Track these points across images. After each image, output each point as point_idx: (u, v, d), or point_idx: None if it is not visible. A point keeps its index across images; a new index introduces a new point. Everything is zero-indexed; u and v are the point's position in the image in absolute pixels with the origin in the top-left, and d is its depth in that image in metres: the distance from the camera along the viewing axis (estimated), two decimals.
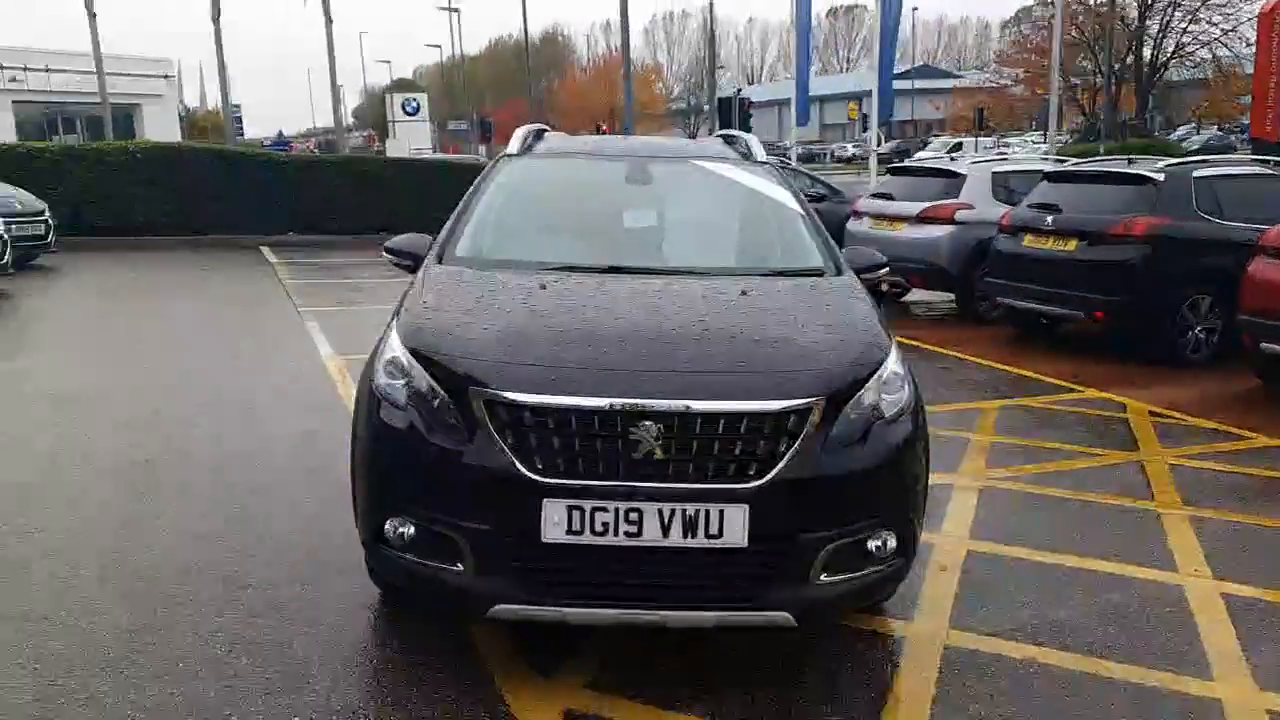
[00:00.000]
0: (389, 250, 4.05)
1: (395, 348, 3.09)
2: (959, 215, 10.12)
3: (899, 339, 3.43)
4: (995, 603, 3.73)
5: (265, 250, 15.39)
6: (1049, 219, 8.66)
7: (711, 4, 33.37)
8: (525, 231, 4.12)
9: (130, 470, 5.01)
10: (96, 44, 16.98)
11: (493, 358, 2.91)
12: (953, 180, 10.60)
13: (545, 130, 4.90)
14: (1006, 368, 8.03)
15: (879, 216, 11.07)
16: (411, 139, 40.99)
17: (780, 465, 2.80)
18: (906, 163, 15.88)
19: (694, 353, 2.97)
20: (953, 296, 10.69)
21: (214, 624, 3.36)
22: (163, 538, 4.13)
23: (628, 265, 3.66)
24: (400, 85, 63.92)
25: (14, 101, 37.92)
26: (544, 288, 3.41)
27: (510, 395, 2.79)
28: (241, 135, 63.59)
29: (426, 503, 2.88)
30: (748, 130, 30.50)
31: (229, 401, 6.45)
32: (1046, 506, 4.82)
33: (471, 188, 4.26)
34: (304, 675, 3.05)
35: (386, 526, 2.93)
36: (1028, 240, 8.91)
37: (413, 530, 2.89)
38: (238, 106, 73.92)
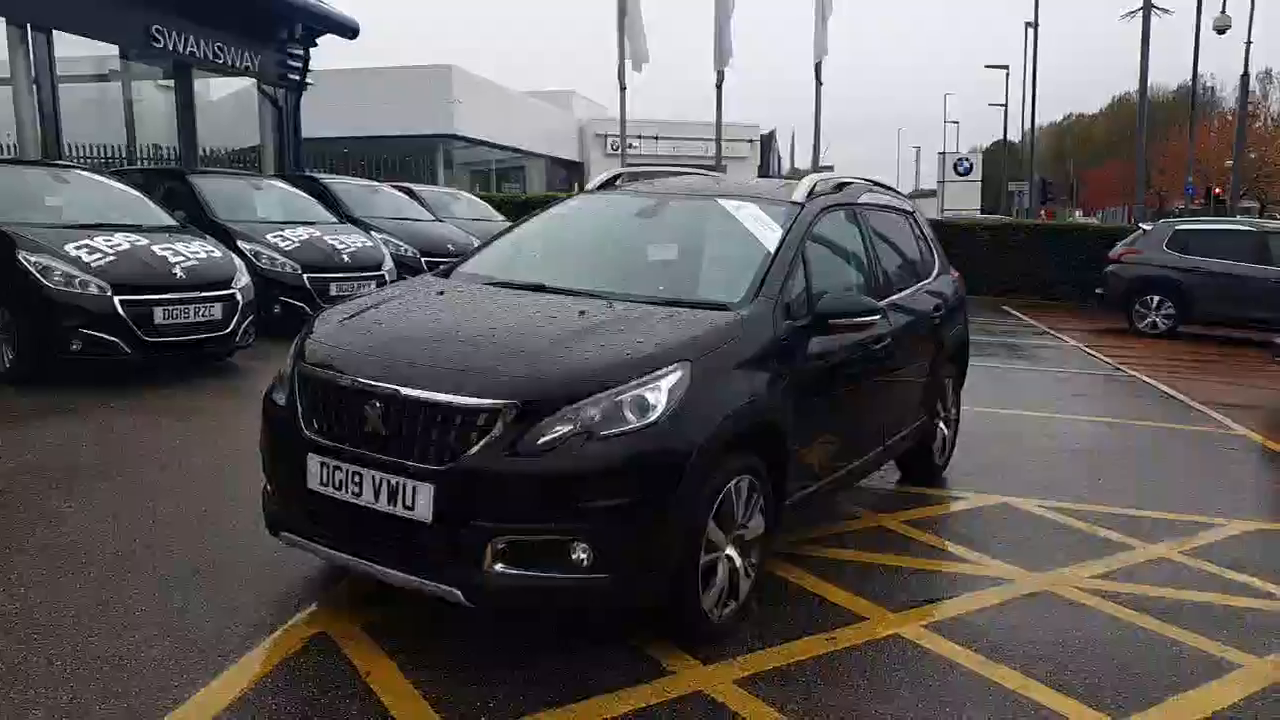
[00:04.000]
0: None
1: (304, 332, 3.95)
2: None
3: None
4: (813, 679, 3.37)
5: None
6: None
7: None
8: (517, 253, 4.68)
9: None
10: (623, 113, 20.36)
11: (318, 338, 3.66)
12: None
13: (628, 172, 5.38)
14: None
15: None
16: (960, 200, 40.57)
17: (467, 455, 3.11)
18: None
19: (451, 352, 3.37)
20: None
21: None
22: None
23: (551, 285, 4.08)
24: (996, 148, 62.90)
25: (627, 163, 45.99)
26: (441, 294, 4.04)
27: (305, 367, 3.52)
28: None
29: (268, 446, 3.73)
30: None
31: None
32: (1088, 624, 3.95)
33: (527, 216, 4.98)
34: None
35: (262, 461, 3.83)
36: None
37: (265, 463, 3.76)
38: (830, 167, 79.35)
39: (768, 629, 3.74)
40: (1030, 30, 38.81)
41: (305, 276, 9.45)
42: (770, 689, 3.29)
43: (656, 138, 47.46)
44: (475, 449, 3.11)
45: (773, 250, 4.12)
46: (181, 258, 7.53)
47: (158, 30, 13.94)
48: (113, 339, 6.93)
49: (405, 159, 30.68)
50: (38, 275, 6.85)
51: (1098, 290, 14.98)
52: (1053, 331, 14.53)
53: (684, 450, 3.23)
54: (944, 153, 42.75)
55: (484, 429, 3.12)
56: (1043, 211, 49.62)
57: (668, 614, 3.43)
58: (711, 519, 3.41)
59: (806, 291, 4.12)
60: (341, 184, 13.05)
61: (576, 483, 3.10)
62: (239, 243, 9.36)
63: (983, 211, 43.16)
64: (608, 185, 5.16)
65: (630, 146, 47.35)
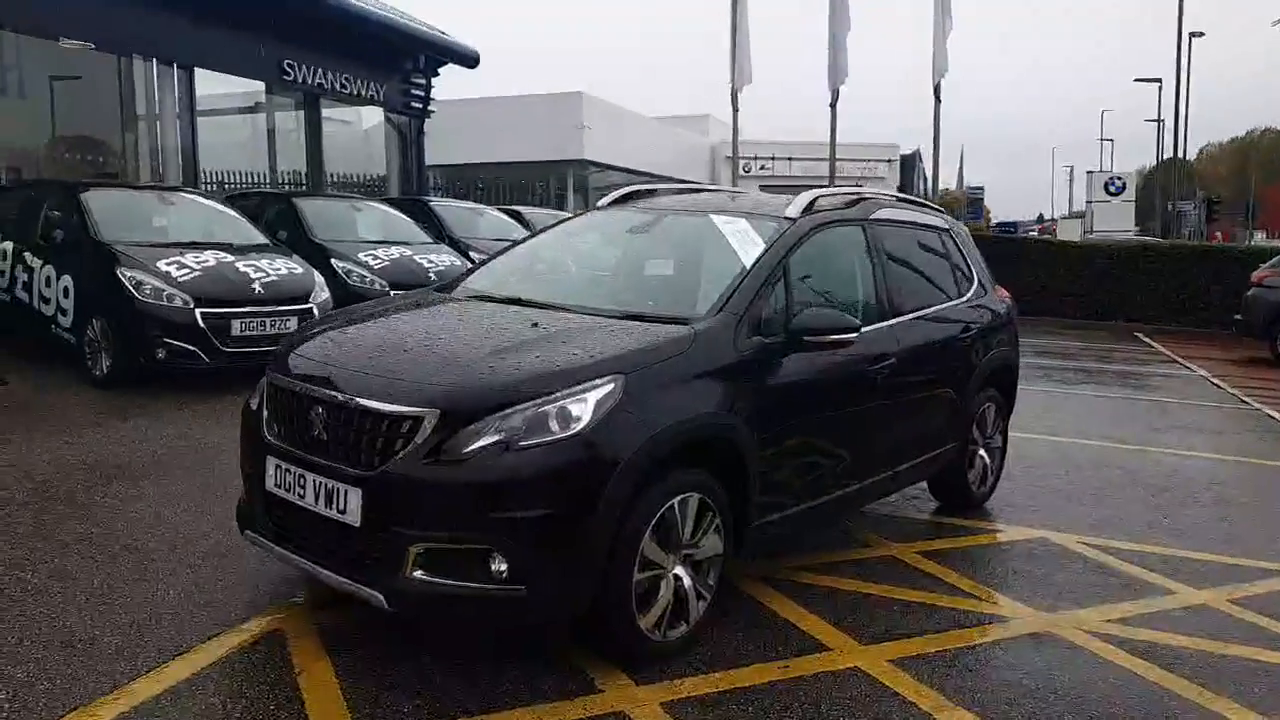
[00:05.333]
0: None
1: (285, 341, 4.11)
2: None
3: None
4: (744, 706, 3.24)
5: None
6: None
7: None
8: (513, 267, 4.71)
9: None
10: (735, 134, 20.28)
11: (291, 347, 3.81)
12: None
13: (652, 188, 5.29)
14: None
15: None
16: (1112, 220, 38.44)
17: (391, 461, 3.17)
18: None
19: (392, 361, 3.44)
20: None
21: None
22: None
23: (527, 299, 4.12)
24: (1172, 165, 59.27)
25: (760, 186, 45.85)
26: (418, 306, 4.14)
27: (272, 374, 3.68)
28: (976, 218, 66.84)
29: (242, 448, 3.89)
30: None
31: None
32: (1081, 669, 3.64)
33: (539, 230, 5.05)
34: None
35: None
36: None
37: (241, 465, 3.93)
38: (980, 188, 77.12)
39: (722, 653, 3.63)
40: (1191, 41, 36.43)
41: (393, 293, 9.84)
42: (693, 714, 3.18)
43: (790, 159, 47.13)
44: (399, 455, 3.16)
45: (748, 266, 4.03)
46: (263, 274, 7.99)
47: (289, 64, 14.91)
48: (193, 348, 7.42)
49: (536, 184, 31.60)
50: (131, 289, 7.42)
51: (1236, 316, 13.87)
52: (1181, 360, 13.52)
53: (608, 463, 3.18)
54: (1093, 171, 40.58)
55: (408, 436, 3.17)
56: (1219, 234, 46.38)
57: (599, 631, 3.37)
58: (651, 536, 3.34)
59: (787, 308, 4.01)
60: (446, 207, 13.57)
61: (492, 492, 3.10)
62: (332, 260, 9.85)
63: (1144, 233, 40.77)
64: (621, 201, 5.15)
65: (762, 168, 47.43)
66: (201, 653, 3.43)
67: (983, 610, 4.21)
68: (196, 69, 13.67)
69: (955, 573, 4.63)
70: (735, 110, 19.51)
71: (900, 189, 50.47)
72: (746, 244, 4.20)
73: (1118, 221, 37.73)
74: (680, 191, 5.36)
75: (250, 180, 17.37)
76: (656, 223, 4.76)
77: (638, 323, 3.72)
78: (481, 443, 3.12)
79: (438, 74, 18.03)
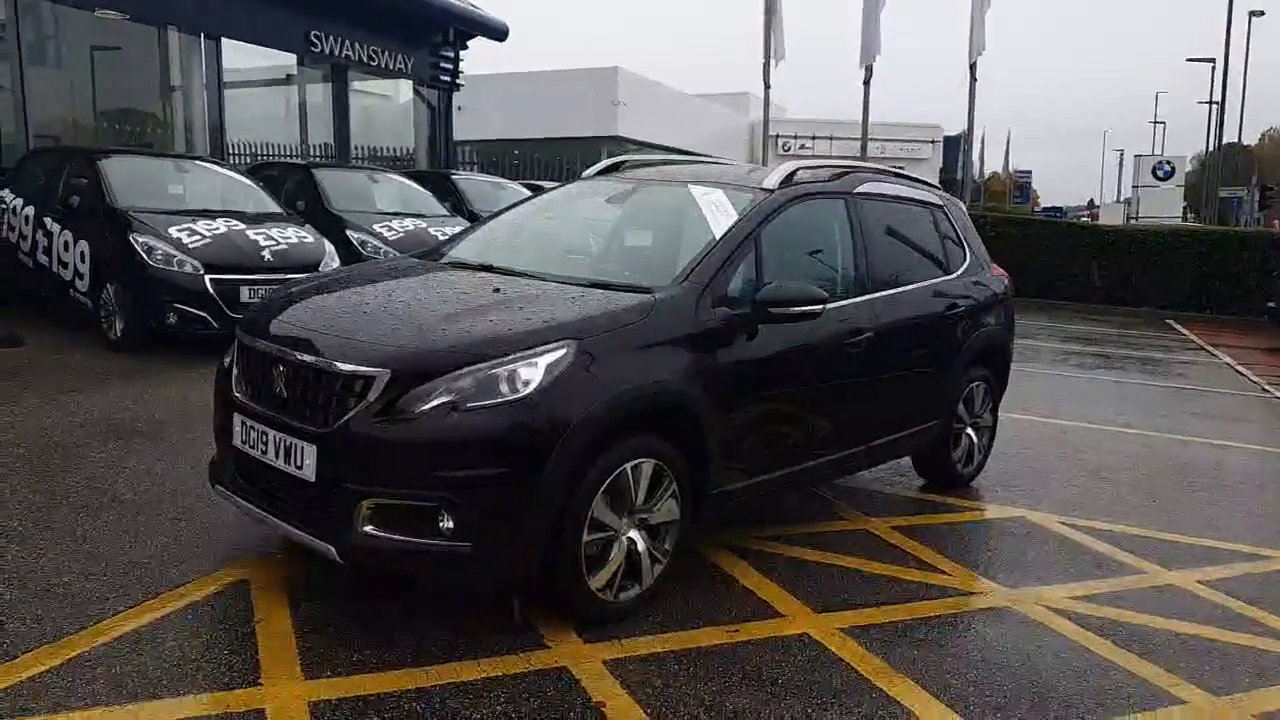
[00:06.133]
0: None
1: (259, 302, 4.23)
2: None
3: None
4: (685, 666, 3.29)
5: None
6: None
7: None
8: (495, 234, 4.77)
9: None
10: (766, 111, 20.10)
11: (264, 308, 3.91)
12: None
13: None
14: None
15: None
16: (1161, 206, 37.65)
17: (344, 419, 3.25)
18: None
19: (351, 323, 3.52)
20: None
21: None
22: None
23: (498, 265, 4.18)
24: (1230, 150, 57.77)
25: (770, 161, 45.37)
26: (391, 270, 4.22)
27: (240, 333, 3.78)
28: (1023, 201, 65.95)
29: (214, 406, 3.99)
30: None
31: None
32: (1032, 643, 3.65)
33: (525, 199, 5.11)
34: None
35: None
36: None
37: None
38: (1028, 172, 75.62)
39: (674, 616, 3.68)
40: (1250, 20, 35.34)
41: None
42: (635, 671, 3.25)
43: (831, 138, 46.63)
44: (350, 414, 3.25)
45: (718, 236, 4.05)
46: (273, 242, 8.14)
47: (316, 35, 15.05)
48: (202, 314, 7.59)
49: (566, 161, 31.66)
50: (143, 254, 7.60)
51: (1270, 304, 13.58)
52: (1209, 347, 13.28)
53: (557, 426, 3.23)
54: (1140, 156, 39.68)
55: (360, 395, 3.25)
56: (1276, 221, 45.19)
57: (550, 590, 3.44)
58: (602, 499, 3.40)
59: (757, 279, 4.03)
60: (468, 180, 13.72)
61: (439, 450, 3.17)
62: (347, 231, 10.00)
63: (1197, 220, 39.89)
64: (607, 171, 5.18)
65: (803, 147, 46.88)
66: (170, 600, 3.56)
67: (946, 584, 4.22)
68: (224, 39, 13.86)
69: (927, 548, 4.64)
70: (767, 87, 19.38)
71: (943, 171, 49.65)
72: (719, 214, 4.21)
73: (1165, 207, 36.95)
74: (669, 162, 5.37)
75: (281, 152, 17.61)
76: (636, 192, 4.79)
77: (600, 290, 3.77)
78: (432, 403, 3.19)
79: (467, 47, 18.09)
